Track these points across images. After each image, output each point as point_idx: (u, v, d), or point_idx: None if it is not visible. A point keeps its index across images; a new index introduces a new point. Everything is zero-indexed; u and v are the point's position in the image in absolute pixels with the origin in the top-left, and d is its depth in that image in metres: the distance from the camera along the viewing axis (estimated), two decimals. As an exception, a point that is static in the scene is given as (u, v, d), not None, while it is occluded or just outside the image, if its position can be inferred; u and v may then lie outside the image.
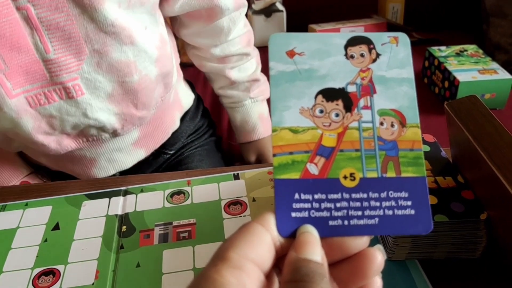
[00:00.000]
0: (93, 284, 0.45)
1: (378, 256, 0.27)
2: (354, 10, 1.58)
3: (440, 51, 1.15)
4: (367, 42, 0.31)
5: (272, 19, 1.48)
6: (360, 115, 0.30)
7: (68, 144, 0.67)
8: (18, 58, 0.58)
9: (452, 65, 1.07)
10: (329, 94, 0.30)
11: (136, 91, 0.66)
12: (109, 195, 0.57)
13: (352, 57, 0.31)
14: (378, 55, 0.31)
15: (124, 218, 0.53)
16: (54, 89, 0.61)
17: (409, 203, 0.28)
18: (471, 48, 1.17)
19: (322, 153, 0.29)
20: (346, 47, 0.31)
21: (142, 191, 0.57)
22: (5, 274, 0.47)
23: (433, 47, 1.17)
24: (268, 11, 1.48)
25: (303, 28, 1.53)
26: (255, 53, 0.89)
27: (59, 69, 0.60)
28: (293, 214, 0.28)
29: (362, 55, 0.31)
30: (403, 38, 0.32)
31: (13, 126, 0.62)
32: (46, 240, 0.51)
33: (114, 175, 0.76)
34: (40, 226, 0.53)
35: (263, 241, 0.26)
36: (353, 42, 0.31)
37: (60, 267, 0.47)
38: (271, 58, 0.31)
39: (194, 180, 0.58)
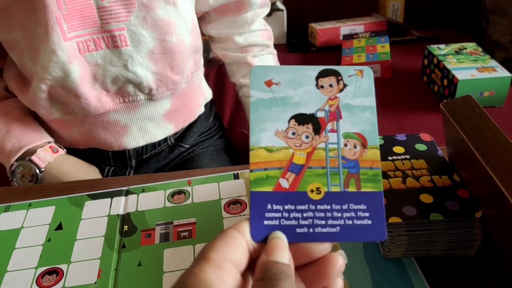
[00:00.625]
0: (95, 282, 0.46)
1: (339, 260, 0.31)
2: (354, 9, 1.59)
3: (439, 49, 1.15)
4: (336, 74, 0.36)
5: (273, 18, 1.48)
6: (327, 137, 0.34)
7: (107, 102, 0.72)
8: (76, 1, 0.64)
9: (451, 63, 1.08)
10: (301, 118, 0.35)
11: (173, 52, 0.72)
12: (111, 195, 0.58)
13: (322, 87, 0.35)
14: (345, 85, 0.35)
15: (125, 218, 0.54)
16: (102, 36, 0.67)
17: (367, 214, 0.32)
18: (470, 46, 1.17)
19: (293, 169, 0.34)
20: (317, 78, 0.36)
21: (143, 191, 0.58)
22: (10, 273, 0.48)
23: (432, 45, 1.18)
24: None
25: (303, 27, 1.53)
26: (275, 52, 0.95)
27: (109, 17, 0.66)
28: (266, 222, 0.32)
29: (331, 86, 0.35)
30: (367, 72, 0.36)
31: (63, 74, 0.67)
32: (49, 240, 0.52)
33: (137, 155, 0.80)
34: (44, 226, 0.54)
35: (239, 245, 0.30)
36: (323, 74, 0.36)
37: (63, 266, 0.48)
38: (252, 87, 0.36)
39: (195, 180, 0.59)
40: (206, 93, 0.92)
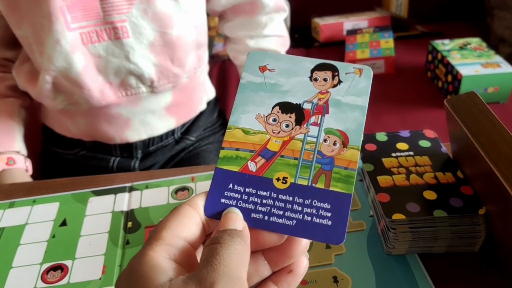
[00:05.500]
0: (100, 278, 0.46)
1: (303, 240, 0.31)
2: (358, 3, 1.58)
3: (444, 45, 1.15)
4: (333, 69, 0.35)
5: (276, 13, 1.48)
6: (307, 130, 0.33)
7: (109, 95, 0.73)
8: None
9: (455, 59, 1.07)
10: (285, 107, 0.34)
11: (174, 45, 0.73)
12: (115, 191, 0.58)
13: (316, 79, 0.35)
14: (339, 82, 0.35)
15: (129, 214, 0.54)
16: (105, 28, 0.69)
17: (329, 214, 0.31)
18: (475, 41, 1.16)
19: (264, 155, 0.33)
20: (312, 70, 0.35)
21: (147, 187, 0.58)
22: (15, 269, 0.48)
23: (436, 41, 1.17)
24: (272, 5, 1.48)
25: (307, 22, 1.53)
26: None
27: (112, 9, 0.68)
28: (223, 200, 0.32)
29: (325, 80, 0.35)
30: (367, 71, 0.35)
31: (67, 64, 0.69)
32: (54, 236, 0.52)
33: (145, 146, 0.82)
34: (48, 223, 0.54)
35: (192, 220, 0.29)
36: (320, 67, 0.35)
37: (68, 262, 0.48)
38: (245, 70, 0.36)
39: (198, 177, 0.59)
40: (208, 91, 0.93)
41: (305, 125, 0.33)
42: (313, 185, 0.32)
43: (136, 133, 0.79)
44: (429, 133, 0.55)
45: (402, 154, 0.51)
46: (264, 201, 0.32)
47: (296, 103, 0.34)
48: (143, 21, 0.70)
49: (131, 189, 0.58)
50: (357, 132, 0.33)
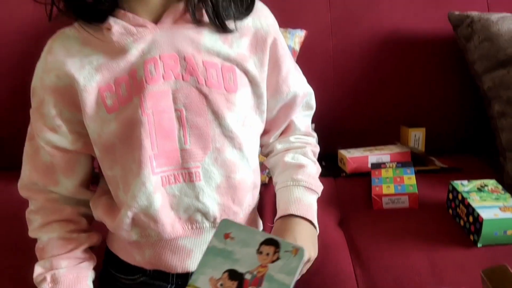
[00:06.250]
0: None
1: None
2: (378, 136, 1.73)
3: (463, 186, 1.26)
4: (276, 245, 0.46)
5: (305, 143, 1.63)
6: None
7: (178, 229, 0.84)
8: (165, 145, 0.80)
9: (475, 201, 1.18)
10: (232, 274, 0.45)
11: (236, 188, 0.85)
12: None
13: (261, 253, 0.46)
14: (278, 258, 0.45)
15: None
16: (181, 172, 0.82)
17: None
18: (491, 183, 1.28)
19: None
20: (261, 244, 0.47)
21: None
22: None
23: (456, 181, 1.28)
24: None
25: (334, 151, 1.67)
26: (315, 149, 1.05)
27: (189, 158, 0.81)
28: None
29: (267, 254, 0.46)
30: (300, 253, 0.45)
31: (148, 203, 0.80)
32: None
33: None
34: None
35: None
36: (267, 242, 0.47)
37: None
38: (214, 235, 0.48)
39: None
40: (258, 225, 1.03)
41: None
42: None
43: (196, 263, 0.87)
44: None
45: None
46: None
47: (240, 272, 0.45)
48: (213, 168, 0.83)
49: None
50: None
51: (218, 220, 0.85)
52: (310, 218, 0.87)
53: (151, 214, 0.81)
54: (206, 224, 0.85)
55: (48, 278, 0.84)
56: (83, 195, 0.92)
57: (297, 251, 0.45)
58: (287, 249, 0.46)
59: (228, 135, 0.83)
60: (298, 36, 1.64)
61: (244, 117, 0.86)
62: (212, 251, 0.47)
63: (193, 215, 0.84)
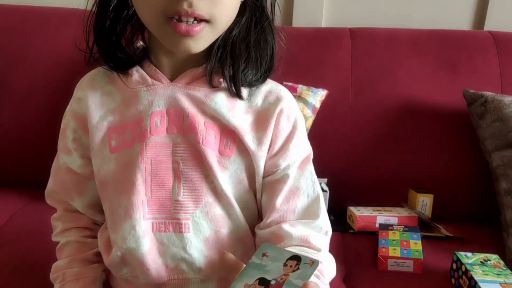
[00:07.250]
0: None
1: None
2: (387, 197, 1.79)
3: (467, 257, 1.31)
4: (298, 260, 0.59)
5: (317, 197, 1.69)
6: None
7: (164, 276, 0.86)
8: (159, 193, 0.84)
9: (477, 274, 1.22)
10: (262, 281, 0.57)
11: (224, 242, 0.88)
12: None
13: (286, 265, 0.59)
14: (298, 268, 0.58)
15: None
16: (171, 222, 0.85)
17: None
18: (494, 258, 1.33)
19: None
20: (288, 259, 0.60)
21: None
22: None
23: (460, 253, 1.34)
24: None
25: (343, 208, 1.73)
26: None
27: (180, 209, 0.84)
28: None
29: (290, 266, 0.58)
30: (315, 264, 0.59)
31: (136, 246, 0.83)
32: None
33: None
34: None
35: None
36: (292, 258, 0.60)
37: None
38: (255, 254, 0.61)
39: None
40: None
41: None
42: None
43: None
44: None
45: None
46: None
47: (268, 279, 0.57)
48: (203, 221, 0.85)
49: None
50: None
51: (203, 273, 0.87)
52: None
53: (138, 256, 0.84)
54: (192, 274, 0.87)
55: (61, 276, 0.93)
56: (93, 216, 0.98)
57: (313, 263, 0.59)
58: (306, 261, 0.59)
59: (219, 192, 0.85)
60: (320, 94, 1.74)
61: (238, 182, 0.87)
62: (251, 265, 0.59)
63: (179, 264, 0.86)
